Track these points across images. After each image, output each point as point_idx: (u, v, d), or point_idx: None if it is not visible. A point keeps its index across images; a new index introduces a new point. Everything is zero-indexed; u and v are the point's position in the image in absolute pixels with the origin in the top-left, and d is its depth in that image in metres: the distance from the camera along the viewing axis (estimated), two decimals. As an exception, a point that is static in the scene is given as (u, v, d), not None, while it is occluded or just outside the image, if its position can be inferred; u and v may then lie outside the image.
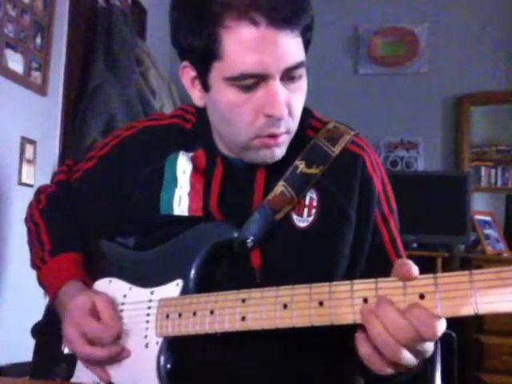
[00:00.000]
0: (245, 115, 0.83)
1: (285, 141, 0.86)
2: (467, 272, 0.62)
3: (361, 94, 3.68)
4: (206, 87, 0.86)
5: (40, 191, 1.11)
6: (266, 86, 0.81)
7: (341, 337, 0.89)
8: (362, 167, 0.93)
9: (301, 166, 0.90)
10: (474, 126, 3.67)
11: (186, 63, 0.88)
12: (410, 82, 3.68)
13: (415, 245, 3.12)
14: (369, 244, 0.92)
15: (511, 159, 3.63)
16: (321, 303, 0.71)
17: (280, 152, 0.87)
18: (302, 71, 0.84)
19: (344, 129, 0.96)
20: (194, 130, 0.99)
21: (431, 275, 0.65)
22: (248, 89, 0.81)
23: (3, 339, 1.92)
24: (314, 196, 0.91)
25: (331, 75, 3.70)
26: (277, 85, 0.80)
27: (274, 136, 0.84)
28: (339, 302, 0.70)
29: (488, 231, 3.25)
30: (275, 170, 0.90)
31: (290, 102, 0.83)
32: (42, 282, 0.99)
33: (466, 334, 2.84)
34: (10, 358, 1.81)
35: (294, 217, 0.90)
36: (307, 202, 0.91)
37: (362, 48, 3.81)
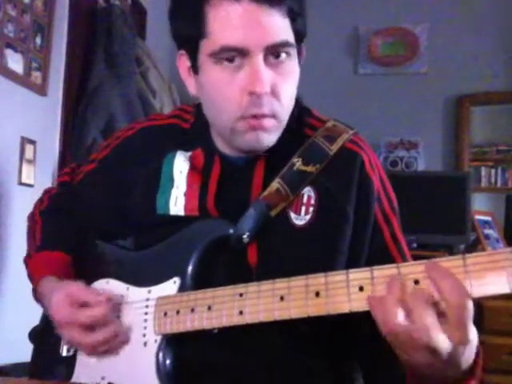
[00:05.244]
0: (229, 95, 0.84)
1: (271, 126, 0.85)
2: (460, 256, 0.63)
3: (361, 94, 3.68)
4: (196, 70, 0.88)
5: (45, 192, 1.13)
6: (249, 64, 0.82)
7: (341, 335, 0.89)
8: (360, 166, 0.92)
9: (297, 163, 0.90)
10: (474, 125, 3.67)
11: (181, 51, 0.91)
12: (410, 82, 3.68)
13: (415, 245, 3.11)
14: (370, 243, 0.91)
15: (511, 159, 3.63)
16: (317, 293, 0.71)
17: (267, 139, 0.86)
18: (290, 53, 0.85)
19: (343, 128, 0.95)
20: (192, 130, 0.99)
21: (425, 261, 0.65)
22: (231, 63, 0.82)
23: (3, 339, 1.92)
24: (312, 194, 0.90)
25: (331, 75, 3.70)
26: (259, 62, 0.81)
27: (258, 117, 0.84)
28: (335, 291, 0.70)
29: (488, 231, 3.25)
30: (273, 168, 0.90)
31: (276, 84, 0.83)
32: (28, 277, 1.01)
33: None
34: (10, 357, 1.81)
35: (292, 215, 0.90)
36: (305, 200, 0.90)
37: (362, 48, 3.80)
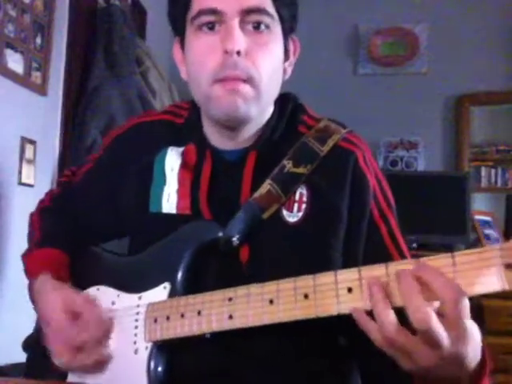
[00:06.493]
0: (207, 60, 0.85)
1: (248, 93, 0.85)
2: (449, 254, 0.62)
3: (361, 94, 3.68)
4: (184, 47, 0.91)
5: (47, 193, 1.14)
6: (224, 27, 0.84)
7: (338, 336, 0.88)
8: (354, 163, 0.91)
9: (288, 165, 0.89)
10: (474, 126, 3.67)
11: (177, 38, 0.93)
12: (410, 82, 3.68)
13: (415, 245, 3.11)
14: (367, 241, 0.90)
15: (511, 159, 3.62)
16: (306, 296, 0.70)
17: (244, 107, 0.85)
18: (270, 27, 0.86)
19: (335, 127, 0.94)
20: (185, 125, 0.99)
21: (414, 260, 0.65)
22: (210, 31, 0.85)
23: (3, 339, 1.92)
24: (304, 192, 0.90)
25: (331, 75, 3.69)
26: (233, 23, 0.83)
27: (232, 79, 0.84)
28: (323, 293, 0.69)
29: (488, 231, 3.24)
30: (263, 166, 0.89)
31: (252, 50, 0.84)
32: (25, 272, 0.99)
33: (466, 333, 2.84)
34: (9, 358, 1.81)
35: (284, 212, 0.89)
36: (297, 197, 0.89)
37: (362, 48, 3.80)
